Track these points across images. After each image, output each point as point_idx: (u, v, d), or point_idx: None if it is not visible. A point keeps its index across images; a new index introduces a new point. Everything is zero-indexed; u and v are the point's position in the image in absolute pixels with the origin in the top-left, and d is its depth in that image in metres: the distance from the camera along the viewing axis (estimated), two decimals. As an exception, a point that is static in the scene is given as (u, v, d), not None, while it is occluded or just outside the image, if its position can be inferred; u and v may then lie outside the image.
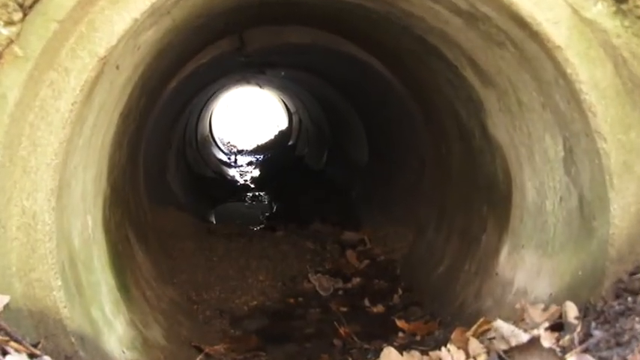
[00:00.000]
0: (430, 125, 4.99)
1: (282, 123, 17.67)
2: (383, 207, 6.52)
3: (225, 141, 18.48)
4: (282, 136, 16.60)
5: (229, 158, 15.69)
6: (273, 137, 17.60)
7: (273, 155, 14.82)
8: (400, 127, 6.27)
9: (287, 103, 15.82)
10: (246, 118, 23.67)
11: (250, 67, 7.92)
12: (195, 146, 11.89)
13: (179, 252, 5.00)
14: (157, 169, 6.72)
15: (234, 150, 17.54)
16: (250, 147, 17.98)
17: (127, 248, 3.77)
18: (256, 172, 13.42)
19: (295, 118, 15.34)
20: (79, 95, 2.42)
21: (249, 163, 15.15)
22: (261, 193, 10.54)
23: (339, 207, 7.56)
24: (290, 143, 15.20)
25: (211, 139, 15.56)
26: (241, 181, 12.32)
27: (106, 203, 3.31)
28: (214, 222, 7.73)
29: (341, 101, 8.65)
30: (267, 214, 8.76)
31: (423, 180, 5.42)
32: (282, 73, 9.16)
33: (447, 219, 4.54)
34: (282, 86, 12.67)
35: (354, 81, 7.30)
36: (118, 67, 2.75)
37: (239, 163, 15.31)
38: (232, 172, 13.67)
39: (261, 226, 7.52)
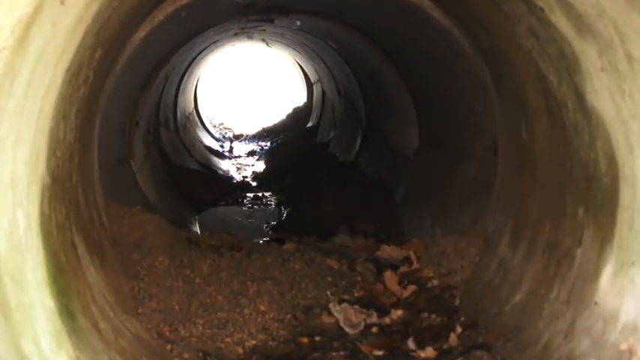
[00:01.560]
0: (505, 96, 4.99)
1: (299, 97, 17.73)
2: (437, 212, 6.54)
3: (217, 122, 18.59)
4: (298, 115, 16.69)
5: (222, 146, 15.82)
6: (285, 117, 17.68)
7: (285, 142, 14.92)
8: (463, 99, 6.30)
9: (305, 68, 15.87)
10: (247, 90, 23.73)
11: (252, 14, 7.98)
12: (174, 127, 12.00)
13: (147, 270, 5.04)
14: (117, 154, 6.81)
15: (229, 135, 17.66)
16: (252, 131, 18.08)
17: (74, 261, 3.81)
18: (260, 166, 13.51)
19: (317, 90, 15.39)
20: (8, 38, 2.46)
21: (251, 153, 15.26)
22: (267, 194, 10.63)
23: (376, 212, 7.60)
24: (309, 125, 15.26)
25: (197, 119, 15.69)
26: (238, 178, 12.42)
27: (45, 195, 3.35)
28: (198, 231, 7.81)
29: (381, 65, 8.69)
30: (273, 222, 8.84)
31: (494, 174, 5.43)
32: (298, 23, 9.20)
33: (527, 228, 4.55)
34: (297, 43, 12.73)
35: (399, 35, 7.33)
36: (63, 2, 2.80)
37: (236, 152, 15.43)
38: (226, 164, 13.77)
39: (265, 239, 7.58)
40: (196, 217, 8.86)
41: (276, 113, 18.61)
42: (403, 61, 7.91)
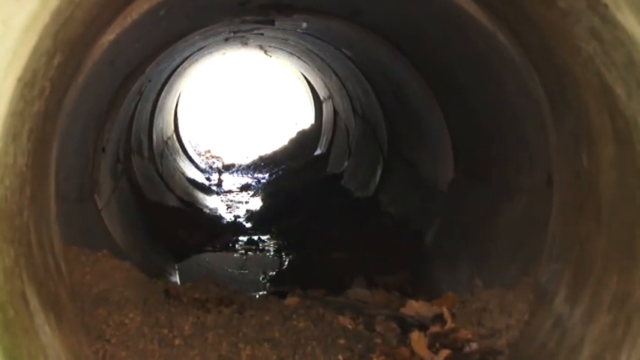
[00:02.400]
0: (562, 113, 5.01)
1: (305, 118, 17.77)
2: (477, 259, 6.54)
3: (203, 148, 18.66)
4: (304, 140, 16.73)
5: (208, 178, 15.88)
6: (287, 143, 17.69)
7: (287, 173, 14.98)
8: (510, 119, 6.32)
9: (312, 81, 15.92)
10: (241, 110, 23.73)
11: (247, 13, 8.03)
12: (149, 154, 12.06)
13: (115, 329, 5.05)
14: (78, 186, 6.84)
15: (218, 165, 17.73)
16: (246, 160, 18.13)
17: (24, 317, 3.83)
18: (255, 203, 13.56)
19: (327, 110, 15.44)
20: (-53, 39, 2.50)
21: (244, 188, 15.32)
22: (264, 238, 10.66)
23: (401, 259, 7.62)
24: (317, 153, 15.29)
25: (177, 144, 15.77)
26: (228, 217, 12.46)
27: (-10, 234, 3.38)
28: (178, 282, 7.82)
29: (408, 76, 8.73)
30: (272, 272, 8.85)
31: (548, 212, 5.43)
32: (304, 25, 9.26)
33: (590, 279, 4.55)
34: (303, 51, 12.79)
35: (430, 39, 7.37)
36: (15, -5, 2.84)
37: (225, 186, 15.51)
38: (213, 201, 13.83)
39: (262, 292, 7.59)
40: (176, 266, 8.89)
41: (276, 138, 18.71)
42: (435, 72, 7.94)
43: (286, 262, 9.34)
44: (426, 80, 8.23)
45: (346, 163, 13.11)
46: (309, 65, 14.23)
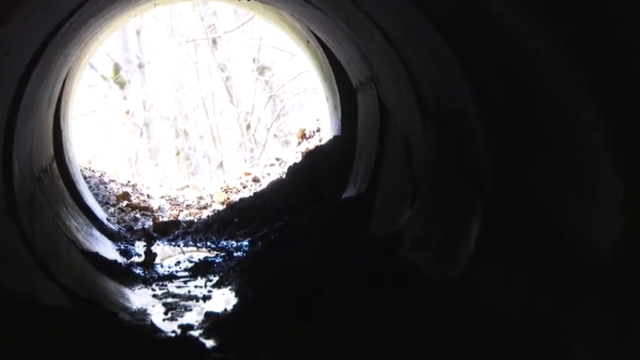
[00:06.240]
0: None
1: (321, 125, 17.95)
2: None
3: (114, 192, 18.84)
4: (320, 169, 16.86)
5: (126, 251, 16.07)
6: (286, 176, 17.80)
7: (288, 237, 15.05)
8: None
9: (336, 52, 16.08)
10: (187, 115, 23.87)
11: None
12: (6, 204, 12.17)
13: None
14: None
15: (144, 222, 17.87)
16: (202, 213, 18.27)
17: None
18: (223, 298, 13.71)
19: (366, 106, 15.68)
20: None
21: (199, 269, 15.46)
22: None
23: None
24: (348, 195, 15.43)
25: (62, 185, 15.91)
26: (170, 329, 12.62)
27: None
28: None
29: (529, 34, 8.85)
30: None
31: None
32: None
33: None
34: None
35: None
36: None
37: (162, 266, 15.64)
38: (138, 296, 14.01)
39: None
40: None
41: (263, 167, 18.94)
42: (577, 27, 8.03)
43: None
44: (564, 40, 8.28)
45: (407, 214, 13.21)
46: (327, 16, 14.32)
